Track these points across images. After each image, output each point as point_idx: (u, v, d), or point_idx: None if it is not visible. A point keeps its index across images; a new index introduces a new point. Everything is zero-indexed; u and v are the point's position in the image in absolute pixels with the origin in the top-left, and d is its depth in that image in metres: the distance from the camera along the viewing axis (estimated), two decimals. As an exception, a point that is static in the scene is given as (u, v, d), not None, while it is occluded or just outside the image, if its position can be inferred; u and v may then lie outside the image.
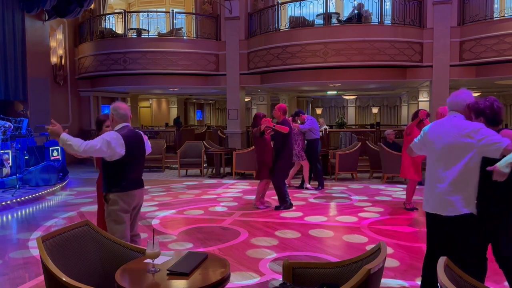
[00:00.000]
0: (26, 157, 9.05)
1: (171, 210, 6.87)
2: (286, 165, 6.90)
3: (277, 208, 6.83)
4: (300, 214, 6.53)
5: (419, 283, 3.86)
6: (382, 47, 10.65)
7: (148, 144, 3.80)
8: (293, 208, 6.89)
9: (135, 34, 13.17)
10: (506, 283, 3.83)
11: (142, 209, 6.89)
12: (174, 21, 13.34)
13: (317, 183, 8.70)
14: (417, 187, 6.68)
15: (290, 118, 8.45)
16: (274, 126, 6.50)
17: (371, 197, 7.79)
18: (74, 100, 13.84)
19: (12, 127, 8.42)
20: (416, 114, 6.44)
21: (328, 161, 10.29)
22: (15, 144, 8.49)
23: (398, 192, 8.26)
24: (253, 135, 6.87)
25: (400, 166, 8.57)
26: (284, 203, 6.85)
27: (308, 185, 8.74)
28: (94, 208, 7.10)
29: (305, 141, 8.62)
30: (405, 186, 8.45)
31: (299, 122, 8.68)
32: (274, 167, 6.72)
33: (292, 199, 7.65)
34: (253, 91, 15.94)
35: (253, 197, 7.89)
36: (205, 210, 6.86)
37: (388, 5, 11.16)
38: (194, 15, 13.73)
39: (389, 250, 4.64)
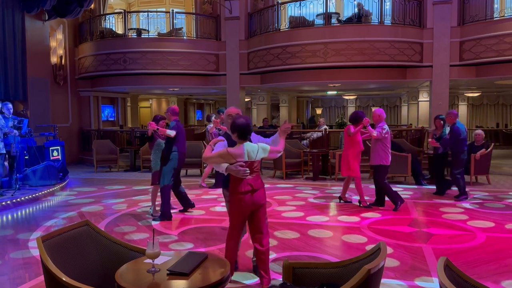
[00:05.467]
0: (26, 157, 9.04)
1: (171, 210, 6.86)
2: (176, 169, 6.22)
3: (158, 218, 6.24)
4: (300, 214, 6.53)
5: (419, 283, 3.86)
6: (382, 47, 10.65)
7: None
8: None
9: (135, 34, 13.17)
10: (506, 283, 3.83)
11: (142, 209, 6.93)
12: (174, 21, 13.33)
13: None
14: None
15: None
16: (157, 128, 6.14)
17: (371, 197, 7.78)
18: (74, 100, 13.84)
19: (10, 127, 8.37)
20: (356, 118, 6.88)
21: (328, 161, 10.29)
22: (15, 144, 8.48)
23: (398, 192, 8.23)
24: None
25: (398, 165, 8.69)
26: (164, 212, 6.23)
27: (204, 184, 9.00)
28: (94, 208, 7.12)
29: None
30: (405, 186, 8.47)
31: (212, 121, 8.76)
32: (161, 170, 6.21)
33: (292, 199, 7.66)
34: (253, 91, 15.94)
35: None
36: (205, 210, 6.86)
37: (388, 5, 11.16)
38: (194, 15, 13.73)
39: (389, 250, 4.64)
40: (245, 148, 3.43)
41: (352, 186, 7.44)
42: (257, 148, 3.47)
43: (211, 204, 7.27)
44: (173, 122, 6.26)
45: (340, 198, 7.33)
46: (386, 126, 6.71)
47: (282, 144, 3.69)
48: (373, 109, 7.05)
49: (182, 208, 6.73)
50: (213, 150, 3.50)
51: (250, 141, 3.57)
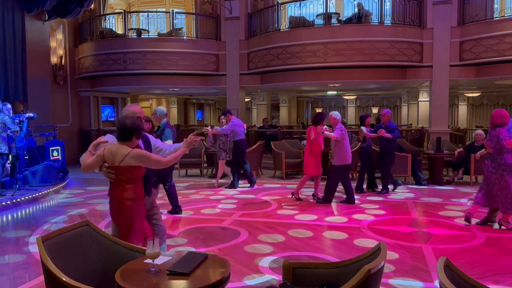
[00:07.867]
0: (26, 157, 9.04)
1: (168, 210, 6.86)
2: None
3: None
4: (300, 214, 6.53)
5: (419, 283, 3.86)
6: (382, 47, 10.64)
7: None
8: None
9: (135, 34, 13.16)
10: (506, 283, 3.83)
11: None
12: (174, 21, 13.33)
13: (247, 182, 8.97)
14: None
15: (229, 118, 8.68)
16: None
17: (371, 197, 7.79)
18: (74, 100, 13.83)
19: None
20: (317, 119, 7.27)
21: (328, 161, 10.28)
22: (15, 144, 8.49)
23: (399, 192, 8.25)
24: None
25: (399, 165, 8.71)
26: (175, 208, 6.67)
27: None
28: (95, 208, 7.11)
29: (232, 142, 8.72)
30: (405, 186, 8.48)
31: (224, 122, 8.73)
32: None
33: (292, 199, 7.65)
34: (253, 91, 15.93)
35: (253, 196, 7.90)
36: (205, 210, 6.86)
37: (388, 5, 11.15)
38: (194, 15, 13.72)
39: (389, 251, 4.64)
40: (113, 150, 3.13)
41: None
42: (124, 153, 3.08)
43: (211, 204, 7.27)
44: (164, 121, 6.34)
45: (293, 194, 7.69)
46: (343, 128, 7.15)
47: (175, 157, 3.31)
48: (330, 112, 7.45)
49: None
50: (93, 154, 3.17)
51: (139, 146, 3.26)
